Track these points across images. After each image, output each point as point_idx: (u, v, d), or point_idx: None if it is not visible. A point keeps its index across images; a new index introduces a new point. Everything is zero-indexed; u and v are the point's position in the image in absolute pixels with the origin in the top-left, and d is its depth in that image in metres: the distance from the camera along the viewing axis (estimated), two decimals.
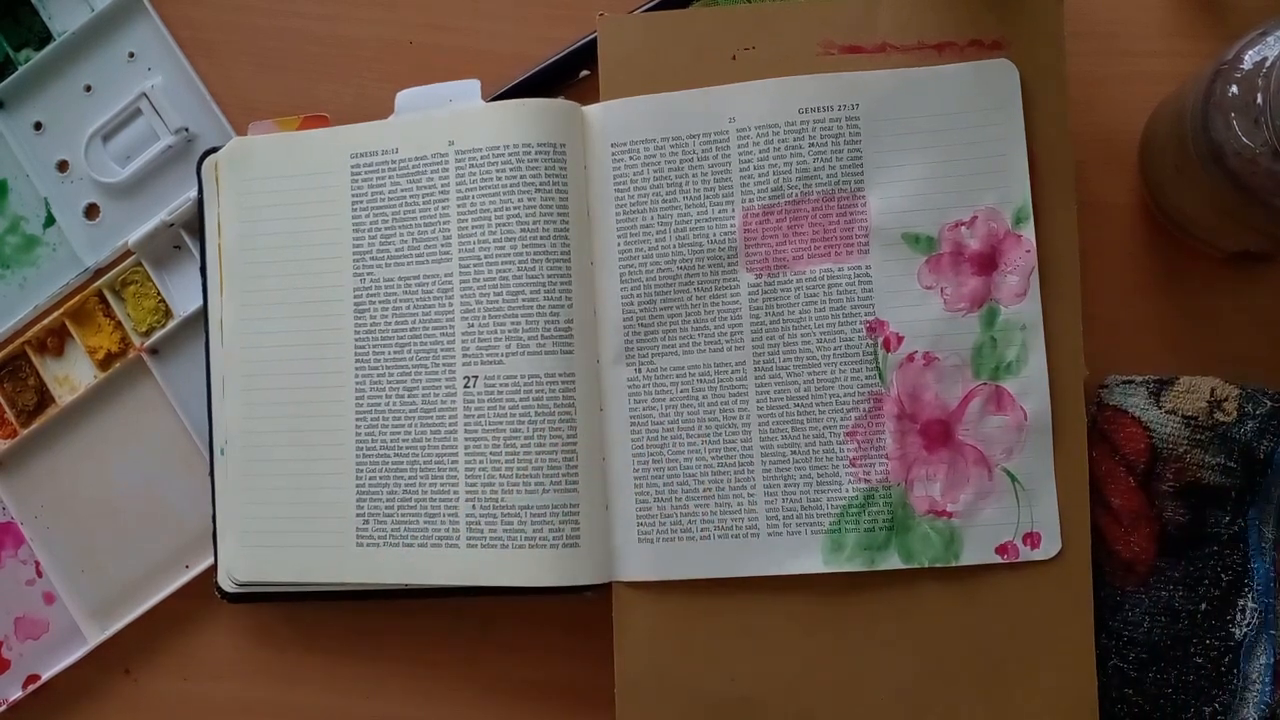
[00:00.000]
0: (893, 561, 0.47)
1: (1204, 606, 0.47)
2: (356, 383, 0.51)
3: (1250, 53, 0.43)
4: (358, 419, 0.51)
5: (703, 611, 0.49)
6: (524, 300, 0.49)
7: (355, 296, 0.51)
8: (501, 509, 0.49)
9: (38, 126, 0.56)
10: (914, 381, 0.48)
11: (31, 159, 0.56)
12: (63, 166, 0.56)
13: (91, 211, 0.56)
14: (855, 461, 0.48)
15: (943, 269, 0.48)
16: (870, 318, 0.48)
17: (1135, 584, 0.47)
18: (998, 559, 0.47)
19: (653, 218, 0.50)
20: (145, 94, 0.55)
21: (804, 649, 0.48)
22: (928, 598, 0.48)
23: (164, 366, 0.54)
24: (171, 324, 0.54)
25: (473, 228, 0.50)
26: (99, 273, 0.55)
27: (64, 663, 0.54)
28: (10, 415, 0.55)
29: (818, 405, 0.48)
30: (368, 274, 0.51)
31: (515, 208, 0.49)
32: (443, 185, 0.50)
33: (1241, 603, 0.47)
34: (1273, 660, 0.47)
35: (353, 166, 0.52)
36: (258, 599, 0.52)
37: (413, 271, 0.51)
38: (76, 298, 0.55)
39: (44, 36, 0.56)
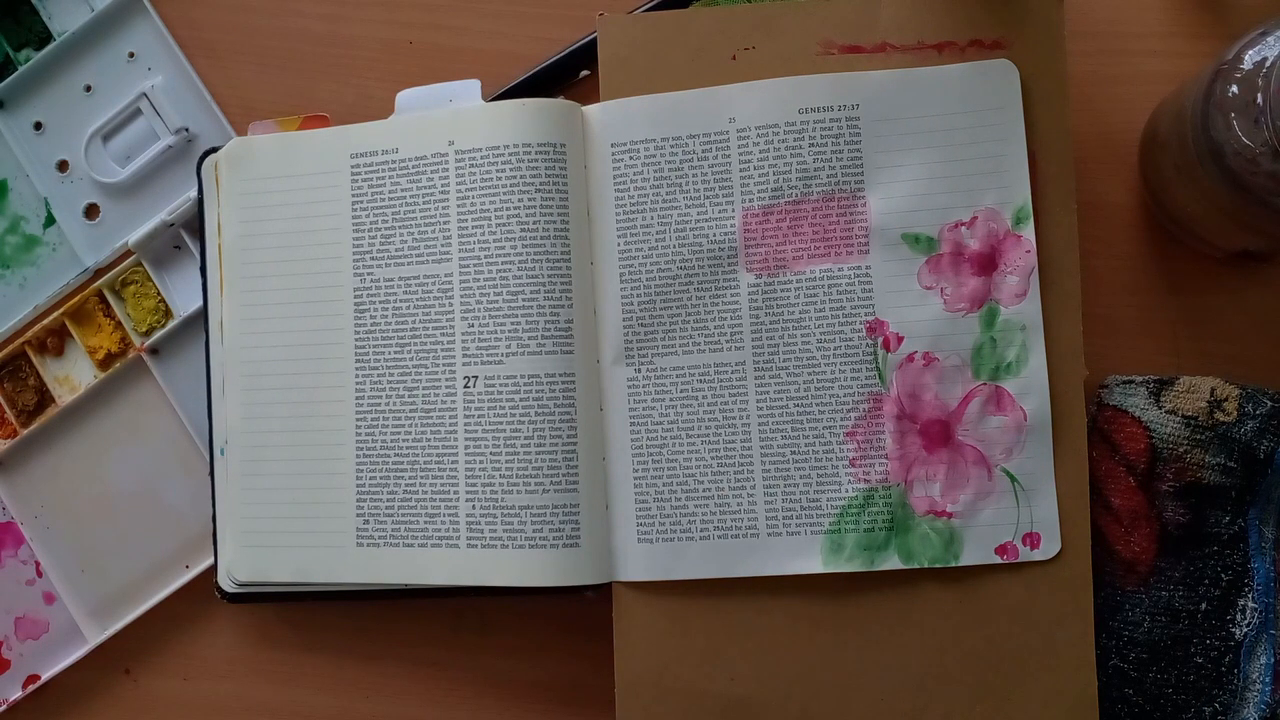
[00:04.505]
0: (892, 562, 0.47)
1: (1204, 606, 0.47)
2: (356, 383, 0.51)
3: (1250, 53, 0.43)
4: (358, 419, 0.51)
5: (703, 611, 0.49)
6: (524, 300, 0.49)
7: (355, 296, 0.51)
8: (501, 509, 0.49)
9: (38, 126, 0.56)
10: (914, 382, 0.48)
11: (31, 159, 0.56)
12: (63, 166, 0.56)
13: (91, 211, 0.56)
14: (855, 462, 0.48)
15: (943, 269, 0.48)
16: (870, 318, 0.48)
17: (1135, 584, 0.47)
18: (997, 559, 0.47)
19: (653, 218, 0.50)
20: (145, 94, 0.55)
21: (804, 649, 0.48)
22: (927, 598, 0.48)
23: (164, 366, 0.54)
24: (171, 324, 0.54)
25: (473, 228, 0.50)
26: (99, 273, 0.55)
27: (64, 663, 0.54)
28: (10, 415, 0.55)
29: (817, 405, 0.48)
30: (368, 274, 0.51)
31: (515, 208, 0.49)
32: (443, 185, 0.50)
33: (1242, 603, 0.47)
34: (1273, 660, 0.47)
35: (353, 166, 0.52)
36: (258, 599, 0.52)
37: (413, 271, 0.51)
38: (76, 298, 0.55)
39: (44, 36, 0.56)
